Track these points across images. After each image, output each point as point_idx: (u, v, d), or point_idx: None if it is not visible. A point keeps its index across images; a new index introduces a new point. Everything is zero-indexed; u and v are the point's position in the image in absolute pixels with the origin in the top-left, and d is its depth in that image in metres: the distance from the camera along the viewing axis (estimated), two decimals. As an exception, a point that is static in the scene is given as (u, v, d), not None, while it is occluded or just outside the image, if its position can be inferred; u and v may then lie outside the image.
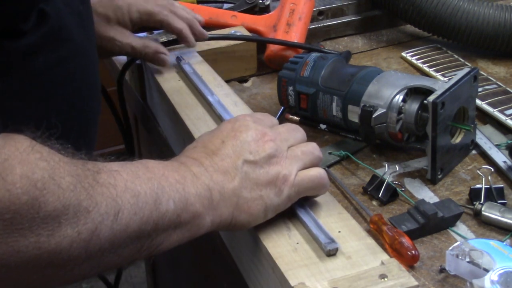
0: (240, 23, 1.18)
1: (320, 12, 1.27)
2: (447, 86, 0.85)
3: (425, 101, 0.84)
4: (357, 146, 0.94)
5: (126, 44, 1.02)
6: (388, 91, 0.88)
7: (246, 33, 1.15)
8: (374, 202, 0.84)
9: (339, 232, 0.68)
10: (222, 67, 1.09)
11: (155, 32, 1.13)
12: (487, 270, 0.67)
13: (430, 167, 0.86)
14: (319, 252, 0.66)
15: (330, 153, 0.93)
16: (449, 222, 0.78)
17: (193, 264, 1.19)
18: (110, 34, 1.01)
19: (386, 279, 0.61)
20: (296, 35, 1.14)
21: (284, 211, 0.70)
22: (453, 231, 0.78)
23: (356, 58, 1.21)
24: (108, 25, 1.01)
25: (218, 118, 0.89)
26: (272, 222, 0.69)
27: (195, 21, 1.07)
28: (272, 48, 1.14)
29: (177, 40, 1.08)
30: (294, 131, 0.73)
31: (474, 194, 0.82)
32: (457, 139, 0.89)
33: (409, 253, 0.71)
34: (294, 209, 0.71)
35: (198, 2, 1.26)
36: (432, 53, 1.17)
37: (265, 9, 1.26)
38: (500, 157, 0.89)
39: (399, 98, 0.88)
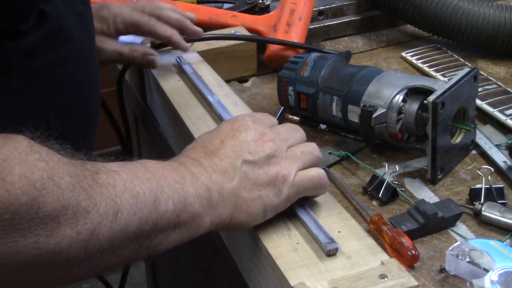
0: (240, 23, 1.18)
1: (320, 12, 1.27)
2: (447, 86, 0.85)
3: (425, 101, 0.84)
4: (357, 146, 0.94)
5: (112, 51, 1.01)
6: (388, 91, 0.88)
7: (246, 33, 1.15)
8: (374, 202, 0.84)
9: (339, 232, 0.68)
10: (222, 67, 1.09)
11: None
12: (487, 270, 0.67)
13: (430, 167, 0.86)
14: (319, 252, 0.66)
15: (330, 153, 0.93)
16: (449, 222, 0.78)
17: (193, 264, 1.19)
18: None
19: (386, 279, 0.61)
20: (296, 35, 1.14)
21: (284, 211, 0.70)
22: (453, 231, 0.78)
23: (356, 58, 1.21)
24: None
25: (218, 118, 0.89)
26: (272, 222, 0.69)
27: (186, 20, 1.05)
28: (272, 48, 1.14)
29: None
30: (293, 131, 0.73)
31: (474, 194, 0.82)
32: (457, 139, 0.89)
33: (409, 253, 0.71)
34: (294, 209, 0.71)
35: (198, 2, 1.26)
36: (432, 53, 1.17)
37: (265, 9, 1.26)
38: (500, 157, 0.89)
39: (399, 98, 0.88)
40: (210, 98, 0.93)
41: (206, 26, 1.20)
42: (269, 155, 0.68)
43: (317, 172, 0.70)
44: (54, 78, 0.74)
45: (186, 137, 0.90)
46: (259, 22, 1.19)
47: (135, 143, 1.37)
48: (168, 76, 1.04)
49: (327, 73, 0.96)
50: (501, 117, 0.96)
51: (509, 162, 0.87)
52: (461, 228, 0.79)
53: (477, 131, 0.93)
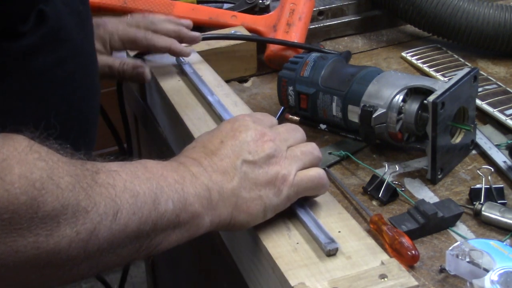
0: (240, 23, 1.18)
1: (320, 12, 1.27)
2: (447, 86, 0.84)
3: (425, 101, 0.84)
4: (357, 146, 0.94)
5: (103, 66, 1.00)
6: (388, 91, 0.88)
7: (246, 33, 1.15)
8: (374, 202, 0.84)
9: (339, 232, 0.68)
10: (222, 67, 1.09)
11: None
12: (487, 270, 0.67)
13: (430, 167, 0.86)
14: (319, 252, 0.66)
15: (330, 153, 0.93)
16: (449, 222, 0.78)
17: (193, 264, 1.19)
18: None
19: (386, 279, 0.61)
20: (296, 35, 1.14)
21: (284, 211, 0.70)
22: (453, 231, 0.78)
23: (356, 58, 1.20)
24: None
25: (218, 118, 0.89)
26: (272, 222, 0.69)
27: (183, 28, 1.05)
28: (272, 48, 1.14)
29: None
30: (293, 131, 0.73)
31: (474, 194, 0.82)
32: (457, 139, 0.89)
33: (409, 253, 0.71)
34: (294, 209, 0.71)
35: (198, 2, 1.26)
36: (432, 53, 1.17)
37: (265, 9, 1.26)
38: (500, 157, 0.89)
39: (399, 98, 0.88)
40: (210, 98, 0.93)
41: (206, 26, 1.20)
42: (269, 155, 0.68)
43: (317, 172, 0.70)
44: (54, 78, 0.74)
45: (186, 137, 0.90)
46: (259, 22, 1.19)
47: (135, 143, 1.37)
48: (168, 76, 1.04)
49: (327, 73, 0.96)
50: (501, 117, 0.96)
51: (509, 162, 0.87)
52: (461, 228, 0.79)
53: (477, 131, 0.93)
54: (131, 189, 0.60)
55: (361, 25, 1.29)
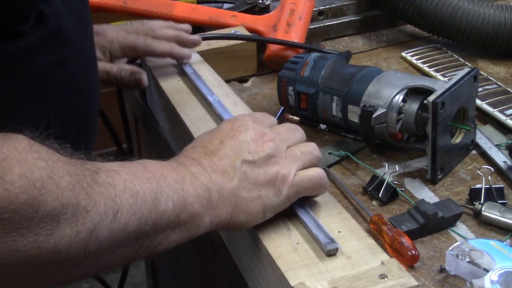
0: (240, 23, 1.18)
1: (320, 12, 1.27)
2: (447, 86, 0.84)
3: (425, 101, 0.84)
4: (357, 146, 0.94)
5: (101, 72, 0.99)
6: (388, 91, 0.88)
7: (246, 33, 1.15)
8: (374, 202, 0.84)
9: (339, 232, 0.68)
10: (222, 67, 1.09)
11: None
12: (487, 270, 0.67)
13: (430, 167, 0.86)
14: (319, 252, 0.66)
15: (330, 153, 0.93)
16: (449, 222, 0.78)
17: (193, 264, 1.19)
18: None
19: (386, 279, 0.61)
20: (296, 35, 1.14)
21: (284, 211, 0.70)
22: (453, 231, 0.78)
23: (356, 58, 1.20)
24: None
25: (218, 118, 0.89)
26: (272, 222, 0.69)
27: (182, 33, 1.05)
28: (272, 48, 1.14)
29: None
30: (293, 131, 0.73)
31: (474, 194, 0.82)
32: (457, 139, 0.89)
33: (409, 253, 0.71)
34: (294, 209, 0.71)
35: (198, 2, 1.26)
36: (432, 53, 1.17)
37: (265, 9, 1.26)
38: (500, 157, 0.89)
39: (399, 98, 0.88)
40: (210, 98, 0.93)
41: (206, 26, 1.20)
42: (268, 155, 0.68)
43: (317, 172, 0.70)
44: (54, 79, 0.74)
45: (186, 137, 0.90)
46: (259, 22, 1.19)
47: (135, 143, 1.37)
48: (168, 76, 1.04)
49: (327, 73, 0.96)
50: (501, 117, 0.96)
51: (509, 162, 0.87)
52: (461, 228, 0.79)
53: (477, 131, 0.93)
54: (131, 189, 0.60)
55: (361, 25, 1.29)
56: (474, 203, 0.80)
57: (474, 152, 0.92)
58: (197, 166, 0.66)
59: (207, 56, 1.09)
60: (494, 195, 0.81)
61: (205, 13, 1.20)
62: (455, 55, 1.15)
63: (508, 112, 0.96)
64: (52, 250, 0.55)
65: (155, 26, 1.05)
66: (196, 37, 1.06)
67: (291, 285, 0.62)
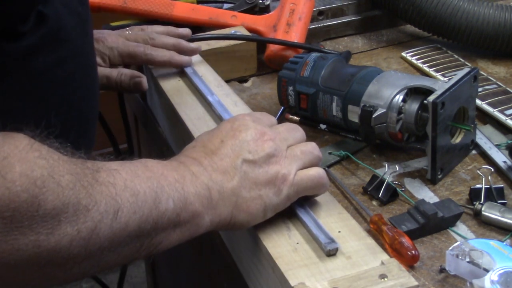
0: (240, 23, 1.18)
1: (320, 12, 1.27)
2: (447, 86, 0.84)
3: (425, 101, 0.84)
4: (357, 146, 0.94)
5: (101, 77, 1.00)
6: (388, 91, 0.88)
7: (246, 33, 1.15)
8: (374, 202, 0.84)
9: (339, 232, 0.68)
10: (222, 67, 1.09)
11: None
12: (487, 270, 0.67)
13: (430, 167, 0.86)
14: (319, 252, 0.66)
15: (330, 153, 0.93)
16: (449, 222, 0.78)
17: (193, 264, 1.19)
18: None
19: (386, 279, 0.61)
20: (296, 35, 1.14)
21: (284, 211, 0.70)
22: (453, 231, 0.78)
23: (356, 58, 1.21)
24: None
25: (218, 118, 0.89)
26: (272, 222, 0.69)
27: (182, 41, 1.05)
28: (272, 48, 1.14)
29: None
30: (293, 131, 0.73)
31: (474, 194, 0.82)
32: (457, 139, 0.89)
33: (409, 253, 0.71)
34: (294, 209, 0.71)
35: (198, 2, 1.26)
36: (432, 53, 1.17)
37: (265, 9, 1.26)
38: (500, 157, 0.89)
39: (399, 98, 0.88)
40: (210, 98, 0.93)
41: (206, 26, 1.20)
42: (269, 154, 0.68)
43: (317, 172, 0.70)
44: (54, 79, 0.74)
45: (186, 137, 0.90)
46: (259, 22, 1.19)
47: (135, 143, 1.37)
48: (168, 76, 1.04)
49: (327, 73, 0.96)
50: (501, 117, 0.96)
51: (509, 162, 0.87)
52: (461, 228, 0.79)
53: (477, 131, 0.93)
54: (132, 188, 0.60)
55: (361, 25, 1.29)
56: (474, 203, 0.80)
57: (474, 152, 0.92)
58: (198, 165, 0.66)
59: (207, 56, 1.09)
60: (494, 195, 0.81)
61: (205, 13, 1.20)
62: (455, 55, 1.15)
63: (508, 112, 0.96)
64: (53, 249, 0.55)
65: (155, 34, 1.05)
66: (196, 45, 1.06)
67: (291, 285, 0.62)
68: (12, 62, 0.70)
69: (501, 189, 0.82)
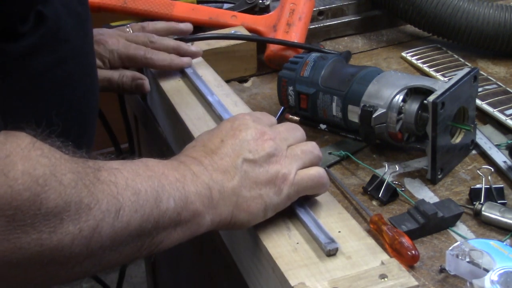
0: (240, 23, 1.18)
1: (320, 12, 1.27)
2: (447, 86, 0.84)
3: (425, 101, 0.84)
4: (357, 146, 0.94)
5: (102, 80, 1.00)
6: (388, 91, 0.88)
7: (246, 33, 1.15)
8: (374, 202, 0.84)
9: (339, 232, 0.68)
10: (222, 67, 1.09)
11: None
12: (487, 270, 0.67)
13: (430, 167, 0.86)
14: (319, 252, 0.66)
15: (330, 153, 0.93)
16: (449, 222, 0.78)
17: (193, 264, 1.19)
18: None
19: (386, 279, 0.61)
20: (296, 35, 1.14)
21: (284, 211, 0.70)
22: (453, 231, 0.78)
23: (356, 58, 1.20)
24: None
25: (218, 118, 0.89)
26: (272, 222, 0.69)
27: (181, 44, 1.05)
28: (272, 48, 1.14)
29: None
30: (293, 130, 0.73)
31: (474, 194, 0.82)
32: (457, 139, 0.89)
33: (409, 253, 0.71)
34: (294, 209, 0.71)
35: (198, 2, 1.26)
36: (432, 53, 1.17)
37: (265, 9, 1.26)
38: (500, 157, 0.89)
39: (399, 98, 0.88)
40: (210, 98, 0.93)
41: (206, 26, 1.20)
42: (269, 153, 0.68)
43: (317, 171, 0.70)
44: (54, 79, 0.75)
45: (186, 137, 0.90)
46: (259, 22, 1.19)
47: (135, 143, 1.37)
48: (168, 76, 1.04)
49: (327, 73, 0.96)
50: (501, 117, 0.96)
51: (509, 162, 0.87)
52: (461, 228, 0.79)
53: (477, 131, 0.93)
54: (133, 187, 0.60)
55: (361, 25, 1.29)
56: (474, 203, 0.80)
57: (474, 152, 0.92)
58: (198, 165, 0.66)
59: (207, 56, 1.09)
60: (494, 195, 0.81)
61: (205, 13, 1.20)
62: (455, 55, 1.15)
63: (508, 112, 0.96)
64: (55, 248, 0.55)
65: (156, 37, 1.05)
66: (197, 48, 1.06)
67: (291, 285, 0.62)
68: (11, 62, 0.70)
69: (501, 189, 0.82)
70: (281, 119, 1.01)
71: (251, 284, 0.74)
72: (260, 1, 1.25)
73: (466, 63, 1.13)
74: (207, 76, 1.02)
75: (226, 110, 0.89)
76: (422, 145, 0.90)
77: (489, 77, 1.06)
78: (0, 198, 0.52)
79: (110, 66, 1.03)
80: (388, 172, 0.84)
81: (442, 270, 0.71)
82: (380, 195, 0.83)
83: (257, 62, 1.16)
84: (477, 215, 0.79)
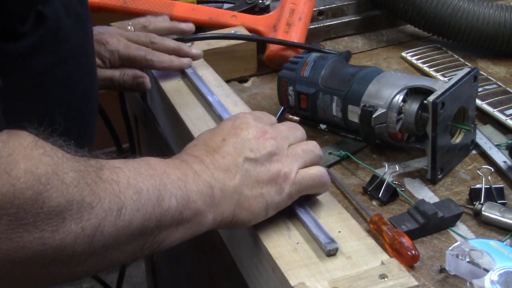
0: (240, 23, 1.18)
1: (320, 12, 1.27)
2: (447, 86, 0.85)
3: (425, 101, 0.84)
4: (357, 146, 0.94)
5: (104, 79, 1.00)
6: (388, 91, 0.88)
7: (246, 33, 1.15)
8: (374, 202, 0.84)
9: (339, 232, 0.68)
10: (222, 67, 1.09)
11: None
12: (487, 270, 0.67)
13: (430, 167, 0.86)
14: (319, 252, 0.66)
15: (330, 153, 0.93)
16: (449, 222, 0.78)
17: (193, 264, 1.19)
18: None
19: (386, 279, 0.61)
20: (296, 35, 1.14)
21: (284, 210, 0.70)
22: (453, 231, 0.78)
23: (356, 58, 1.21)
24: None
25: (218, 118, 0.89)
26: (272, 222, 0.69)
27: (182, 45, 1.05)
28: (272, 48, 1.14)
29: None
30: (294, 129, 0.73)
31: (474, 194, 0.82)
32: (457, 139, 0.89)
33: (409, 253, 0.71)
34: (294, 209, 0.71)
35: (198, 2, 1.26)
36: (432, 53, 1.17)
37: (265, 9, 1.26)
38: (500, 157, 0.89)
39: (399, 98, 0.88)
40: (210, 98, 0.93)
41: (206, 26, 1.20)
42: (270, 152, 0.68)
43: (318, 170, 0.70)
44: (54, 79, 0.75)
45: (186, 137, 0.90)
46: (259, 22, 1.19)
47: (135, 143, 1.37)
48: (168, 76, 1.04)
49: (327, 73, 0.96)
50: (501, 117, 0.96)
51: (509, 162, 0.87)
52: (461, 228, 0.79)
53: (477, 131, 0.93)
54: (135, 186, 0.60)
55: (361, 25, 1.29)
56: (474, 203, 0.80)
57: (474, 152, 0.92)
58: (200, 163, 0.67)
59: (207, 56, 1.09)
60: (494, 195, 0.81)
61: (205, 13, 1.20)
62: (455, 55, 1.15)
63: (508, 112, 0.96)
64: (58, 247, 0.55)
65: (157, 38, 1.04)
66: (197, 50, 1.06)
67: (291, 285, 0.62)
68: (11, 62, 0.70)
69: (501, 189, 0.82)
70: (281, 119, 1.01)
71: (251, 284, 0.74)
72: (260, 1, 1.25)
73: (466, 63, 1.13)
74: (207, 76, 1.02)
75: (226, 110, 0.89)
76: (422, 145, 0.90)
77: (489, 77, 1.06)
78: (3, 197, 0.52)
79: (110, 65, 1.03)
80: (388, 172, 0.84)
81: (442, 270, 0.71)
82: (380, 195, 0.83)
83: (257, 62, 1.16)
84: (477, 215, 0.80)
